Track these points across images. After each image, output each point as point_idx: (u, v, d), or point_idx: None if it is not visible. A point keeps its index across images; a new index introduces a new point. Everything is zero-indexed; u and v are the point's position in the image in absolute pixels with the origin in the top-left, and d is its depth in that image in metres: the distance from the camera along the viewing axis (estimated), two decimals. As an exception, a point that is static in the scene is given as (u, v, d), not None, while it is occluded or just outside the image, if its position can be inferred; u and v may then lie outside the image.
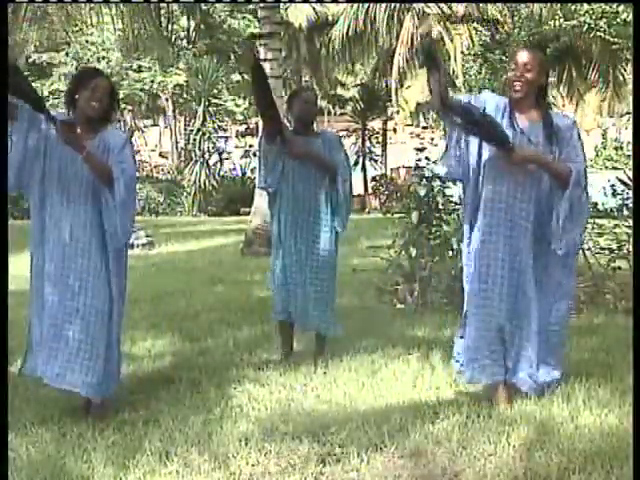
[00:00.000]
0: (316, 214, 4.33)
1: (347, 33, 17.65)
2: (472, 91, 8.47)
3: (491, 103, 3.39)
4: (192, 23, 22.44)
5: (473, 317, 3.38)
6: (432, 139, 7.22)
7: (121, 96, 21.79)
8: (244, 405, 3.58)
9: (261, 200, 10.07)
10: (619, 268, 6.28)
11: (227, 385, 3.87)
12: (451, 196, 6.81)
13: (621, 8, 10.21)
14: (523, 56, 3.37)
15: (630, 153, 36.36)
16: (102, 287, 3.32)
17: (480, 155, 3.39)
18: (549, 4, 11.87)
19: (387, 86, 19.89)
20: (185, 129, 24.09)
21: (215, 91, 19.84)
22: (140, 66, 22.74)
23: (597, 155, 34.25)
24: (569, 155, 3.35)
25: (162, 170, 24.52)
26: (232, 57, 21.54)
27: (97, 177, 3.29)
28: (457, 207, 6.83)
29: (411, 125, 25.55)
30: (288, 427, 3.25)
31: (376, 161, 24.85)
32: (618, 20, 10.04)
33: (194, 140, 20.56)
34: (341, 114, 27.08)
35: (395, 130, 26.91)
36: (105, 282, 3.33)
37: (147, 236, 10.80)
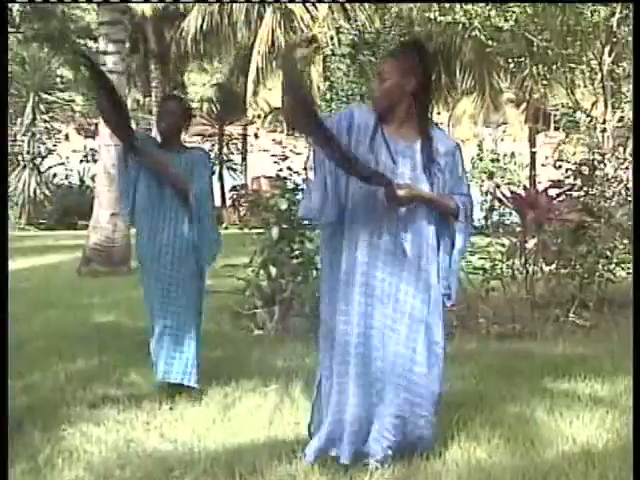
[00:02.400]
0: (174, 247, 4.26)
1: (201, 26, 17.62)
2: (338, 95, 8.69)
3: (359, 120, 2.99)
4: (16, 4, 21.55)
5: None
6: (295, 146, 7.32)
7: None
8: (75, 449, 3.47)
9: (101, 212, 9.86)
10: (492, 290, 6.63)
11: (56, 426, 3.74)
12: (316, 210, 6.93)
13: (493, 12, 10.84)
14: (382, 63, 3.12)
15: (507, 166, 38.61)
16: None
17: (347, 192, 2.99)
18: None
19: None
20: (10, 129, 23.00)
21: (47, 85, 19.18)
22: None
23: (473, 167, 36.06)
24: (453, 186, 3.03)
25: (-18, 176, 23.33)
26: (68, 46, 20.91)
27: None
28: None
29: (274, 131, 25.85)
30: (125, 472, 3.19)
31: (235, 170, 24.91)
32: (490, 22, 10.65)
33: (21, 142, 19.74)
34: (194, 117, 27.02)
35: (256, 136, 27.12)
36: None
37: (-38, 254, 10.23)
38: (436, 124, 3.21)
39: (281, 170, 6.76)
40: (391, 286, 2.98)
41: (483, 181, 24.43)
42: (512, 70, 14.16)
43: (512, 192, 7.50)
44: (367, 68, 8.65)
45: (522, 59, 11.61)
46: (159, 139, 4.41)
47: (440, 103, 20.69)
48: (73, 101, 22.83)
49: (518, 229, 7.15)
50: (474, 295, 6.63)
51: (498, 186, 21.87)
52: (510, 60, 11.95)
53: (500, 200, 8.03)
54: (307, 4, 15.29)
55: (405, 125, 3.02)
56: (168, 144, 4.36)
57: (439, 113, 24.47)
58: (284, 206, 6.46)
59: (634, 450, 2.93)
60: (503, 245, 6.96)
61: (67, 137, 24.47)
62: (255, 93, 19.24)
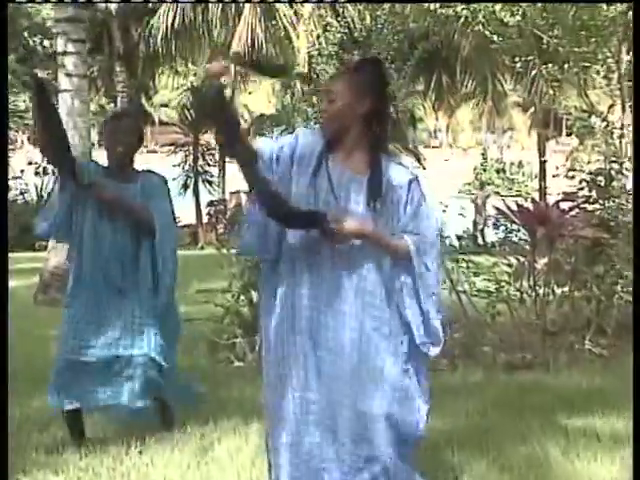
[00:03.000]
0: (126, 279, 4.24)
1: (172, 23, 17.69)
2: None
3: (303, 148, 2.91)
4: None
5: None
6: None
7: None
8: (31, 501, 3.45)
9: (61, 232, 9.82)
10: (498, 314, 6.65)
11: (9, 476, 3.71)
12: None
13: (498, 7, 10.94)
14: (332, 82, 3.08)
15: (514, 177, 38.85)
16: None
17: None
18: None
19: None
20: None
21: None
22: None
23: (476, 178, 36.25)
24: (406, 225, 2.92)
25: None
26: (22, 46, 20.92)
27: None
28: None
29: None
30: (88, 526, 3.16)
31: (211, 183, 24.90)
32: (496, 16, 10.75)
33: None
34: (165, 124, 27.00)
35: (236, 145, 27.20)
36: None
37: None
38: (394, 155, 3.17)
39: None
40: (340, 333, 2.88)
41: (488, 195, 24.56)
42: (519, 70, 14.28)
43: (519, 206, 7.52)
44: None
45: (530, 58, 11.70)
46: (107, 164, 4.26)
47: (438, 108, 20.84)
48: (28, 108, 22.84)
49: (527, 247, 7.18)
50: (478, 321, 6.65)
51: (488, 196, 22.01)
52: (517, 59, 12.05)
53: (506, 215, 8.04)
54: (290, -1, 15.46)
55: (355, 154, 2.92)
56: (119, 171, 4.23)
57: (437, 119, 24.63)
58: (266, 223, 6.46)
59: (634, 454, 2.97)
60: (510, 265, 6.99)
61: (22, 146, 24.45)
62: (233, 98, 19.30)
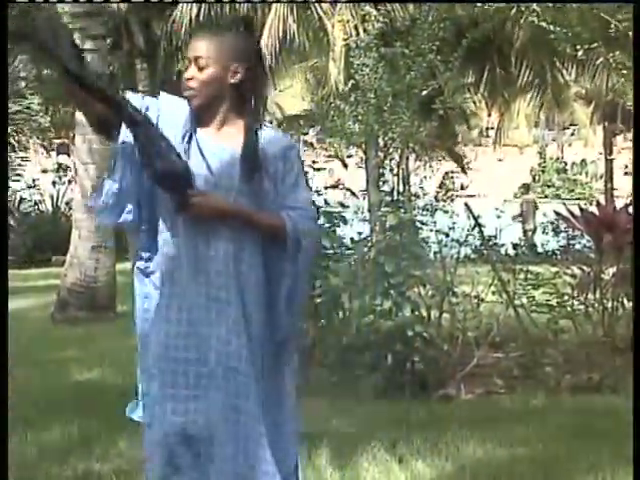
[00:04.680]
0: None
1: (197, 16, 17.81)
2: (365, 96, 8.73)
3: (169, 113, 2.88)
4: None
5: None
6: (315, 161, 7.38)
7: None
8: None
9: (81, 245, 9.93)
10: (562, 331, 6.61)
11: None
12: (341, 237, 6.98)
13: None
14: (195, 46, 2.88)
15: (576, 178, 38.51)
16: None
17: (153, 193, 2.89)
18: None
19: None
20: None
21: (9, 90, 19.45)
22: None
23: (534, 180, 36.01)
24: (284, 197, 2.88)
25: None
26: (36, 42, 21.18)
27: None
28: (350, 252, 7.00)
29: (291, 140, 26.06)
30: None
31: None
32: (553, 5, 10.70)
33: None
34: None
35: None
36: None
37: None
38: (269, 122, 3.06)
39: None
40: (196, 326, 2.85)
41: (547, 197, 24.36)
42: (581, 59, 14.13)
43: (583, 210, 7.50)
44: (400, 62, 8.69)
45: (594, 45, 11.57)
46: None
47: (490, 103, 20.72)
48: (42, 111, 23.17)
49: (592, 256, 7.13)
50: (539, 338, 6.61)
51: (536, 205, 21.81)
52: (578, 47, 11.94)
53: (568, 220, 8.00)
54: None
55: (228, 125, 2.89)
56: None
57: (489, 115, 24.49)
58: (303, 233, 6.49)
59: (634, 447, 3.03)
60: (574, 276, 6.95)
61: (35, 153, 24.80)
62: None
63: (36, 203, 21.98)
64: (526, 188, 25.22)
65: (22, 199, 21.64)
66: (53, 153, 28.57)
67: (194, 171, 2.81)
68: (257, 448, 2.82)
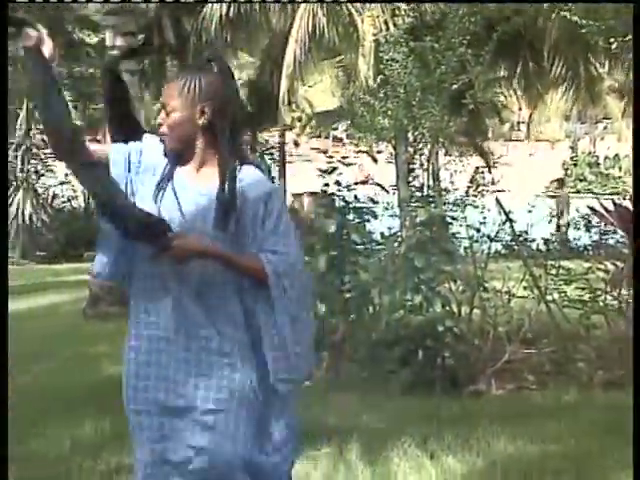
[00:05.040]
0: None
1: (227, 12, 17.83)
2: (396, 91, 8.71)
3: (149, 157, 2.85)
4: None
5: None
6: (344, 157, 7.36)
7: None
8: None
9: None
10: (594, 326, 6.56)
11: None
12: (371, 232, 6.97)
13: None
14: (164, 92, 2.85)
15: (609, 172, 38.16)
16: None
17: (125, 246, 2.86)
18: None
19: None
20: None
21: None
22: None
23: (566, 175, 35.72)
24: (262, 242, 2.79)
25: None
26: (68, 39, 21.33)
27: None
28: (380, 247, 6.99)
29: (318, 137, 26.01)
30: None
31: (271, 185, 25.04)
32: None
33: (14, 157, 20.17)
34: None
35: (296, 144, 27.26)
36: None
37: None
38: (254, 162, 2.92)
39: (327, 185, 6.80)
40: (175, 379, 2.82)
41: (579, 191, 24.16)
42: (614, 52, 13.97)
43: (616, 205, 7.44)
44: (429, 57, 8.65)
45: (627, 38, 11.45)
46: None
47: (522, 97, 20.58)
48: (74, 107, 23.32)
49: (625, 251, 7.07)
50: (571, 334, 6.56)
51: (568, 195, 21.64)
52: (612, 40, 11.81)
53: (601, 215, 7.95)
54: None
55: (207, 166, 2.82)
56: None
57: (520, 109, 24.34)
58: (332, 229, 6.51)
59: (634, 450, 3.03)
60: (606, 271, 6.90)
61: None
62: (293, 91, 19.36)
63: (69, 199, 22.17)
64: (560, 183, 25.05)
65: (55, 195, 21.83)
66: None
67: (168, 215, 2.76)
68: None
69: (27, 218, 19.82)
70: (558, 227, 20.11)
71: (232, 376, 2.77)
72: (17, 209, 19.76)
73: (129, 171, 2.83)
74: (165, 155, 2.82)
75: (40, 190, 21.14)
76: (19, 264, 18.97)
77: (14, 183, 20.00)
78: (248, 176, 2.82)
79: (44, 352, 7.63)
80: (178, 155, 2.82)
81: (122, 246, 2.84)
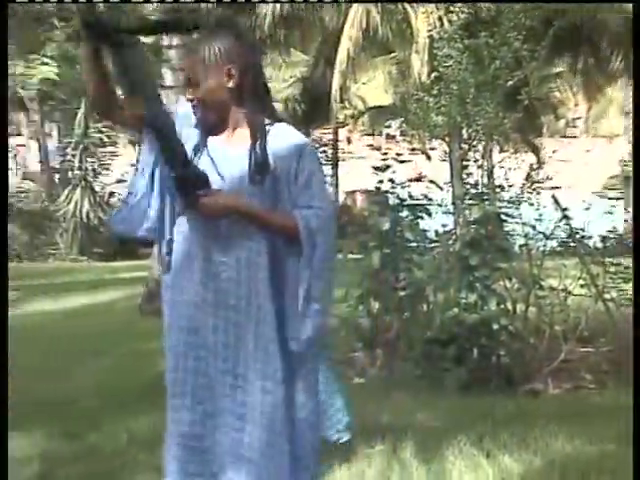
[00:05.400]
0: None
1: (281, 11, 17.90)
2: (449, 87, 8.65)
3: (187, 127, 2.87)
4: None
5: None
6: (398, 154, 7.33)
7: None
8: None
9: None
10: (653, 324, 6.45)
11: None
12: (426, 230, 6.94)
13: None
14: (186, 65, 2.89)
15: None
16: None
17: (163, 197, 2.87)
18: None
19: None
20: (60, 141, 23.92)
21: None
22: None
23: (623, 171, 35.14)
24: (297, 197, 2.80)
25: (27, 198, 24.22)
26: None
27: None
28: (434, 245, 6.95)
29: (371, 134, 25.95)
30: None
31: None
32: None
33: (72, 156, 20.45)
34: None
35: (349, 141, 27.24)
36: None
37: (5, 291, 10.63)
38: (281, 120, 2.90)
39: (381, 182, 6.79)
40: (216, 336, 2.81)
41: None
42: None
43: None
44: (484, 53, 8.57)
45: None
46: None
47: (578, 92, 20.33)
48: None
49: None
50: (630, 333, 6.45)
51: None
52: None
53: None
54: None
55: (240, 128, 2.84)
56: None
57: (576, 105, 24.02)
58: (386, 226, 6.50)
59: (634, 449, 3.04)
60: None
61: (125, 147, 25.21)
62: (345, 89, 19.33)
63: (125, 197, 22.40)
64: (624, 179, 24.71)
65: (112, 193, 22.08)
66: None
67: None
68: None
69: (84, 216, 20.07)
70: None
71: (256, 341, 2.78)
72: (75, 207, 20.02)
73: None
74: (196, 126, 2.83)
75: (97, 188, 21.39)
76: (77, 261, 19.24)
77: (72, 181, 20.26)
78: (280, 133, 2.84)
79: (103, 348, 7.71)
80: (213, 125, 2.83)
81: (160, 204, 2.84)
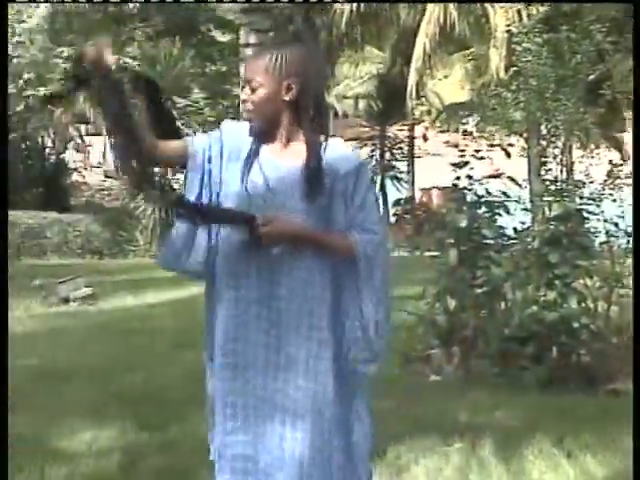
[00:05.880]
0: None
1: (357, 8, 17.90)
2: (527, 83, 8.53)
3: (231, 142, 2.83)
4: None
5: None
6: (477, 150, 7.27)
7: (48, 94, 22.06)
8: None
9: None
10: None
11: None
12: (503, 227, 6.86)
13: None
14: (247, 68, 2.85)
15: None
16: None
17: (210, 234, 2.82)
18: None
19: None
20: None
21: (180, 86, 20.06)
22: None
23: None
24: (353, 218, 2.76)
25: (108, 195, 24.69)
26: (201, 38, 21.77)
27: None
28: (512, 242, 6.87)
29: (447, 131, 25.77)
30: None
31: (400, 180, 25.00)
32: None
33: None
34: (347, 116, 27.33)
35: (425, 138, 27.11)
36: None
37: (87, 286, 10.83)
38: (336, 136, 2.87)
39: (459, 179, 6.73)
40: (267, 354, 2.76)
41: None
42: None
43: None
44: (564, 46, 8.44)
45: None
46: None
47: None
48: (207, 105, 23.79)
49: None
50: None
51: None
52: None
53: None
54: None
55: (291, 144, 2.78)
56: None
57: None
58: (464, 223, 6.45)
59: (634, 450, 3.10)
60: None
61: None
62: (422, 85, 19.27)
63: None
64: None
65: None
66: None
67: (257, 193, 2.75)
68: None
69: (164, 213, 20.30)
70: None
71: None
72: (154, 204, 20.27)
73: (209, 162, 2.81)
74: (250, 133, 2.79)
75: (176, 186, 21.66)
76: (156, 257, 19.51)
77: (152, 179, 20.54)
78: (336, 150, 2.79)
79: (187, 342, 7.78)
80: (263, 133, 2.78)
81: (205, 237, 2.80)
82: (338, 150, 2.80)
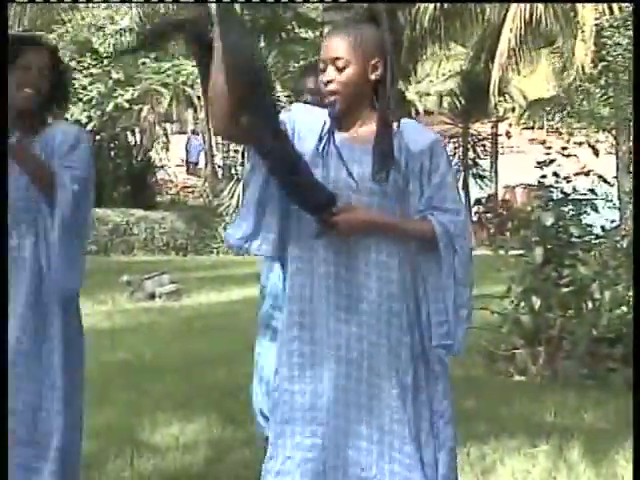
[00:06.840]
0: None
1: (441, 4, 17.80)
2: (618, 77, 8.36)
3: (304, 125, 2.71)
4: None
5: None
6: (564, 148, 7.14)
7: (136, 94, 22.43)
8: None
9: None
10: None
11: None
12: (590, 226, 6.75)
13: None
14: (331, 46, 2.66)
15: None
16: None
17: (285, 216, 2.72)
18: None
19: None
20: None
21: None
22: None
23: None
24: (431, 199, 2.67)
25: (192, 193, 24.99)
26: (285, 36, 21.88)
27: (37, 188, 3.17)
28: (600, 240, 6.76)
29: (531, 128, 25.41)
30: None
31: (482, 177, 24.76)
32: None
33: (235, 152, 20.90)
34: (431, 114, 27.16)
35: (509, 135, 26.81)
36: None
37: (172, 282, 11.00)
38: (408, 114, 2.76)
39: (544, 177, 6.64)
40: (347, 341, 2.66)
41: None
42: None
43: None
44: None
45: None
46: None
47: None
48: (288, 102, 23.89)
49: None
50: None
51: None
52: None
53: None
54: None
55: (368, 124, 2.68)
56: None
57: None
58: (549, 221, 6.37)
59: (634, 449, 3.14)
60: None
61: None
62: (505, 81, 19.04)
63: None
64: None
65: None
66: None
67: (335, 177, 2.66)
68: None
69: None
70: None
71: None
72: (237, 201, 20.44)
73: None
74: (331, 114, 2.68)
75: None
76: (239, 254, 19.68)
77: (235, 176, 20.73)
78: (410, 129, 2.71)
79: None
80: (344, 113, 2.68)
81: (284, 222, 2.70)
82: (411, 128, 2.72)
